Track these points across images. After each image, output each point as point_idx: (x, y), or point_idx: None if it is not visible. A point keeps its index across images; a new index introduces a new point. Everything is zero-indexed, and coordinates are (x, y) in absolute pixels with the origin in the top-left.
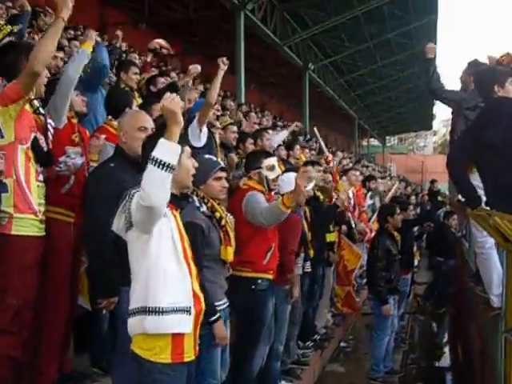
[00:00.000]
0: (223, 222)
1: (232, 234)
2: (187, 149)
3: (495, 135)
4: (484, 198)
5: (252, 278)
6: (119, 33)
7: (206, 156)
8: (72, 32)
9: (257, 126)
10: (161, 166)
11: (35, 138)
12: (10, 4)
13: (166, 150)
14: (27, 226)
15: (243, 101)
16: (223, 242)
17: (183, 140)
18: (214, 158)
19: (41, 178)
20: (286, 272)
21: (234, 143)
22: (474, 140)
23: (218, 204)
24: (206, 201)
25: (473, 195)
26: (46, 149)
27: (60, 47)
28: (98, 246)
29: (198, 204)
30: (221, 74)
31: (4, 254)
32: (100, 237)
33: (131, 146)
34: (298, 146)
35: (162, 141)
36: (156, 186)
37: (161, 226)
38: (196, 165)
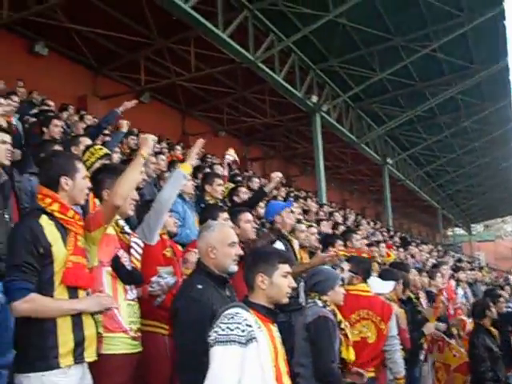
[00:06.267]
0: (342, 326)
1: (351, 337)
2: (283, 267)
3: None
4: None
5: None
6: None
7: (326, 267)
8: (158, 146)
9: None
10: None
11: (117, 256)
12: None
13: None
14: (117, 344)
15: (324, 200)
16: (344, 343)
17: None
18: (332, 269)
19: (130, 296)
20: None
21: (317, 245)
22: None
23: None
24: (328, 304)
25: None
26: (129, 267)
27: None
28: (193, 376)
29: (321, 305)
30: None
31: (96, 374)
32: (196, 365)
33: (220, 262)
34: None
35: None
36: None
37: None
38: (293, 285)
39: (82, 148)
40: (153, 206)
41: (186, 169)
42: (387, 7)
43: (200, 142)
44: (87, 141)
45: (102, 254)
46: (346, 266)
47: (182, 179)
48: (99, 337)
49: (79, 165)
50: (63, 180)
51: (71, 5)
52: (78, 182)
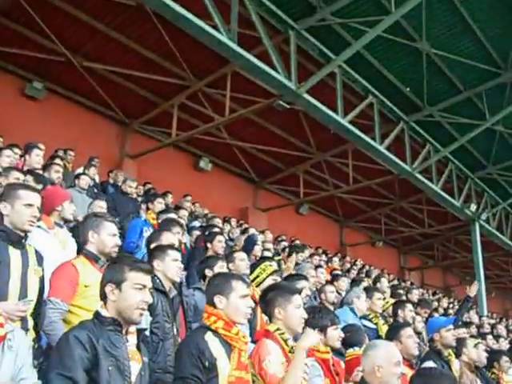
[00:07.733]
0: None
1: None
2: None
3: None
4: None
5: None
6: None
7: None
8: (317, 258)
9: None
10: None
11: None
12: None
13: None
14: None
15: (485, 311)
16: None
17: None
18: None
19: None
20: None
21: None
22: None
23: None
24: None
25: None
26: None
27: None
28: None
29: None
30: None
31: None
32: None
33: (387, 381)
34: None
35: None
36: None
37: None
38: None
39: (237, 262)
40: None
41: None
42: None
43: None
44: (242, 255)
45: None
46: None
47: None
48: None
49: (237, 284)
50: (217, 299)
51: (233, 123)
52: (233, 301)
